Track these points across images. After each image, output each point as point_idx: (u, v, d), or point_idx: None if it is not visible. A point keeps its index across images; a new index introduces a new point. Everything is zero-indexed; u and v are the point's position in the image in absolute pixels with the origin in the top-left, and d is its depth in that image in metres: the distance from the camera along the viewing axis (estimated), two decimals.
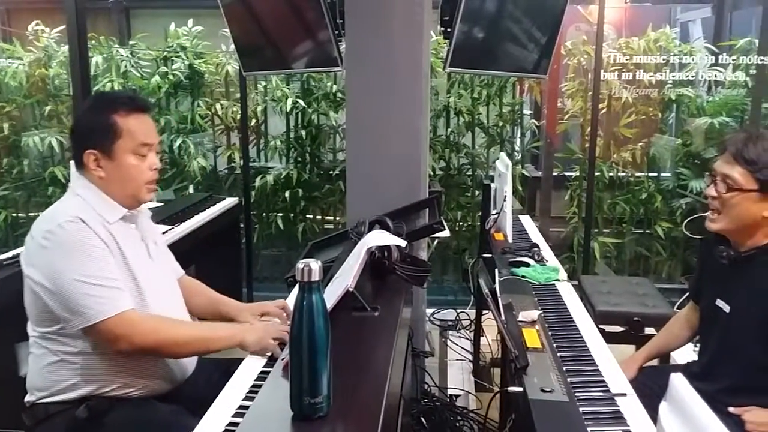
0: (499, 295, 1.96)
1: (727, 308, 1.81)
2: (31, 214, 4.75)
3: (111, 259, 1.62)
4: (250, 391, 1.44)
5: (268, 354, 1.61)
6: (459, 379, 3.21)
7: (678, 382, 0.91)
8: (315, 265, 1.10)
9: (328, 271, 1.95)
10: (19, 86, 4.61)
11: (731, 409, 1.68)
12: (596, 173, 4.38)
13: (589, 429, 1.28)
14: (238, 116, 4.54)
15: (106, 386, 1.67)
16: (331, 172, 4.69)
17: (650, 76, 4.40)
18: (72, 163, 1.78)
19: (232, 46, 3.54)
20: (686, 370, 1.94)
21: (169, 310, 1.77)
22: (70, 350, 1.64)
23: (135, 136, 1.70)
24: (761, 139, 1.71)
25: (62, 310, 1.57)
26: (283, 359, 1.43)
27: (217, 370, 1.85)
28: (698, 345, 2.06)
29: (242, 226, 4.41)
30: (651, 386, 1.83)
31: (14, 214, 4.78)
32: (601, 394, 1.46)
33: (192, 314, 1.98)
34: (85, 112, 1.77)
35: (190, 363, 1.83)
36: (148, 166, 1.73)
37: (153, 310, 1.70)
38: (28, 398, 1.70)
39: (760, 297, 1.73)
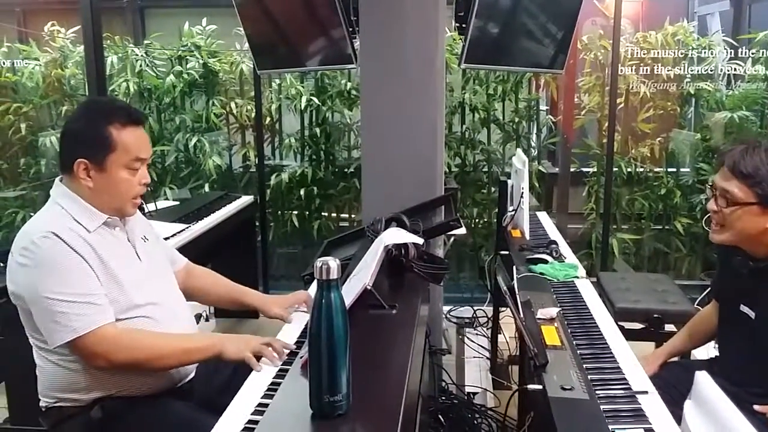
0: (517, 292, 1.95)
1: (752, 314, 1.77)
2: None
3: (89, 271, 1.59)
4: (269, 389, 1.43)
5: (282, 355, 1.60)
6: (476, 377, 3.20)
7: (703, 380, 0.89)
8: (333, 263, 1.09)
9: (345, 269, 1.94)
10: (36, 87, 4.64)
11: (756, 407, 1.65)
12: (614, 169, 4.35)
13: (610, 427, 1.26)
14: (253, 114, 4.55)
15: (111, 389, 1.66)
16: (346, 170, 4.68)
17: (668, 71, 4.35)
18: None
19: (246, 45, 3.54)
20: (709, 368, 1.91)
21: (163, 309, 1.74)
22: (66, 359, 1.62)
23: (129, 151, 1.66)
24: (757, 150, 1.67)
25: (41, 325, 1.57)
26: (302, 357, 1.43)
27: (222, 364, 1.85)
28: (717, 344, 2.03)
29: (258, 224, 4.43)
30: (672, 381, 1.82)
31: (32, 214, 4.79)
32: (622, 391, 1.44)
33: (209, 306, 1.97)
34: (78, 119, 1.72)
35: None
36: (138, 180, 1.70)
37: (145, 312, 1.68)
38: (42, 403, 1.71)
39: None
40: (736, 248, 1.80)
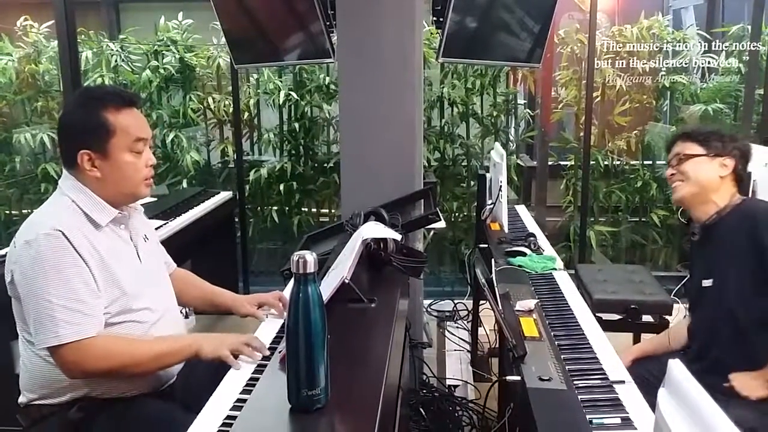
0: (496, 284, 1.96)
1: (710, 282, 1.92)
2: (24, 211, 4.72)
3: (88, 277, 1.56)
4: (247, 385, 1.43)
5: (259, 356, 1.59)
6: (457, 370, 3.22)
7: (676, 368, 0.90)
8: (310, 256, 1.09)
9: (324, 264, 1.94)
10: (9, 82, 4.57)
11: (726, 385, 1.72)
12: (591, 162, 4.39)
13: (587, 416, 1.28)
14: (231, 110, 4.52)
15: (94, 390, 1.64)
16: (325, 165, 4.67)
17: (644, 64, 4.40)
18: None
19: (223, 39, 3.52)
20: (683, 356, 1.95)
21: (158, 312, 1.73)
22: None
23: (129, 133, 1.65)
24: (703, 125, 1.98)
25: (31, 322, 1.55)
26: (280, 352, 1.43)
27: (204, 365, 1.83)
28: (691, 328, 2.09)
29: (237, 220, 4.40)
30: (647, 373, 1.88)
31: (7, 212, 4.76)
32: (599, 381, 1.45)
33: (186, 307, 1.96)
34: (73, 110, 1.70)
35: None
36: (144, 163, 1.69)
37: (139, 317, 1.67)
38: (21, 399, 1.68)
39: (733, 258, 1.86)
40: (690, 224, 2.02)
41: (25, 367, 1.66)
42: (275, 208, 4.68)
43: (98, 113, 1.63)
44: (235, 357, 1.57)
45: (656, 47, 4.41)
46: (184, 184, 4.51)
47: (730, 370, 1.79)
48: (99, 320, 1.57)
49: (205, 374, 1.78)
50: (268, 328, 1.77)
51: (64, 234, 1.54)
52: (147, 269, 1.76)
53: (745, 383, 1.74)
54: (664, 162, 4.61)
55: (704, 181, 1.94)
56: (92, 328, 1.54)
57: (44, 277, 1.51)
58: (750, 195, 2.48)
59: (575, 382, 1.42)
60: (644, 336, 2.73)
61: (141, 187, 1.71)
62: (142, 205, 1.92)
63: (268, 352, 1.59)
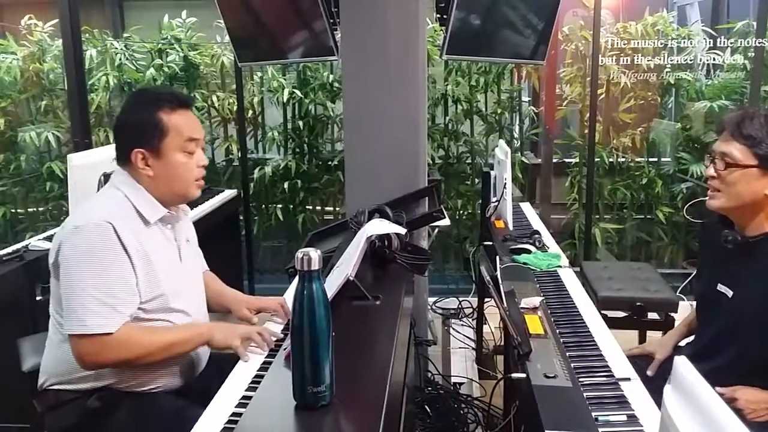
0: (500, 282, 1.95)
1: (730, 293, 1.76)
2: (29, 209, 4.74)
3: (129, 274, 1.58)
4: (252, 382, 1.43)
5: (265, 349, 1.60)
6: (462, 367, 3.22)
7: (682, 365, 0.90)
8: (314, 254, 1.09)
9: (329, 261, 1.94)
10: (14, 81, 4.58)
11: (718, 389, 1.65)
12: (596, 159, 4.37)
13: (593, 414, 1.27)
14: (235, 108, 4.52)
15: (120, 382, 1.65)
16: (329, 163, 4.68)
17: (648, 61, 4.38)
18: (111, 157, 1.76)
19: (227, 37, 3.52)
20: (687, 352, 1.93)
21: (191, 312, 1.75)
22: None
23: (182, 133, 1.68)
24: (757, 116, 1.68)
25: (64, 304, 1.56)
26: (285, 349, 1.43)
27: (229, 363, 1.84)
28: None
29: (241, 218, 4.41)
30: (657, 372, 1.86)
31: (12, 210, 4.77)
32: (604, 379, 1.45)
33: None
34: (128, 109, 1.74)
35: (203, 357, 1.82)
36: (196, 163, 1.71)
37: (174, 318, 1.69)
38: (40, 381, 1.69)
39: (765, 284, 1.67)
40: (725, 224, 1.79)
41: (52, 349, 1.68)
42: (280, 206, 4.69)
43: (153, 113, 1.66)
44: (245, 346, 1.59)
45: (661, 44, 4.40)
46: None
47: (726, 380, 1.66)
48: (125, 316, 1.58)
49: (223, 371, 1.79)
50: (273, 326, 1.78)
51: (113, 227, 1.57)
52: (186, 270, 1.79)
53: (752, 400, 1.59)
54: (668, 159, 4.60)
55: (747, 198, 1.68)
56: (117, 324, 1.56)
57: (85, 265, 1.54)
58: None
59: (581, 380, 1.41)
60: (650, 333, 2.73)
61: (192, 188, 1.73)
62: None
63: (280, 335, 1.62)
